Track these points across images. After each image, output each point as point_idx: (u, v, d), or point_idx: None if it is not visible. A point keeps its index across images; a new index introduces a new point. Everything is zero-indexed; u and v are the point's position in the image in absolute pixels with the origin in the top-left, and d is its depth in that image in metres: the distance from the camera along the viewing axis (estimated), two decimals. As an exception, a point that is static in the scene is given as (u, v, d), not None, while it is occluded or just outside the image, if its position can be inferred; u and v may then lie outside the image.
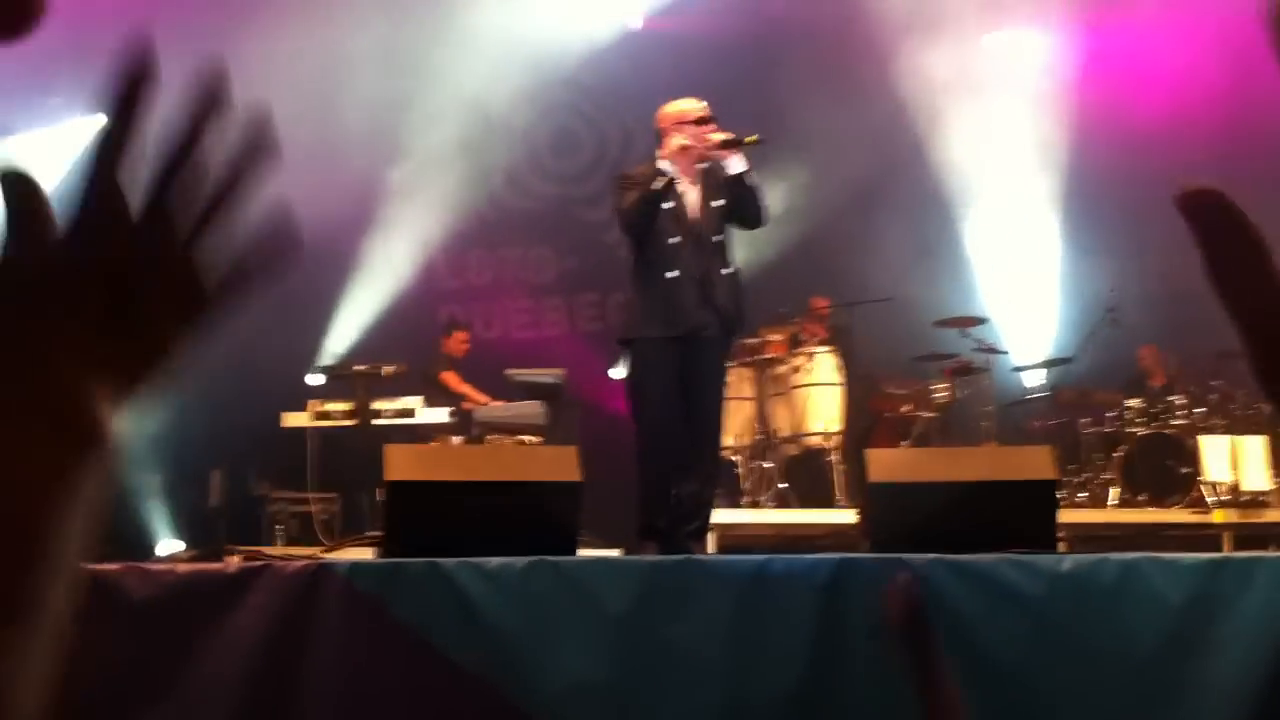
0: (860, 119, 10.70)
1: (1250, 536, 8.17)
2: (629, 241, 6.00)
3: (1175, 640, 4.46)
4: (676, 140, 5.86)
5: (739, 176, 5.87)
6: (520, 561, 4.61)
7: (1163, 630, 4.50)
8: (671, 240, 5.89)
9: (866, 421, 9.75)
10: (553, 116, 11.87)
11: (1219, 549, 7.83)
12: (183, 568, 4.60)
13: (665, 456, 5.85)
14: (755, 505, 8.81)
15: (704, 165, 6.00)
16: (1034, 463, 5.37)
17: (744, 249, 7.21)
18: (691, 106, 5.97)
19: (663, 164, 5.80)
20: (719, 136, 5.85)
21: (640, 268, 5.94)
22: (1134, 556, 4.77)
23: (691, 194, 5.95)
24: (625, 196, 5.88)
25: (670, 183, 5.81)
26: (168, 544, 7.78)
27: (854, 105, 10.70)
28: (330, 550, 5.19)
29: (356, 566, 4.60)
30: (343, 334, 10.58)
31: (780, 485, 8.92)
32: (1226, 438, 8.97)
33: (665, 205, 5.83)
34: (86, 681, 4.19)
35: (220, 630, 4.37)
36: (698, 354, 5.88)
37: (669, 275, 5.81)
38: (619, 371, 6.12)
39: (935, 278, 10.98)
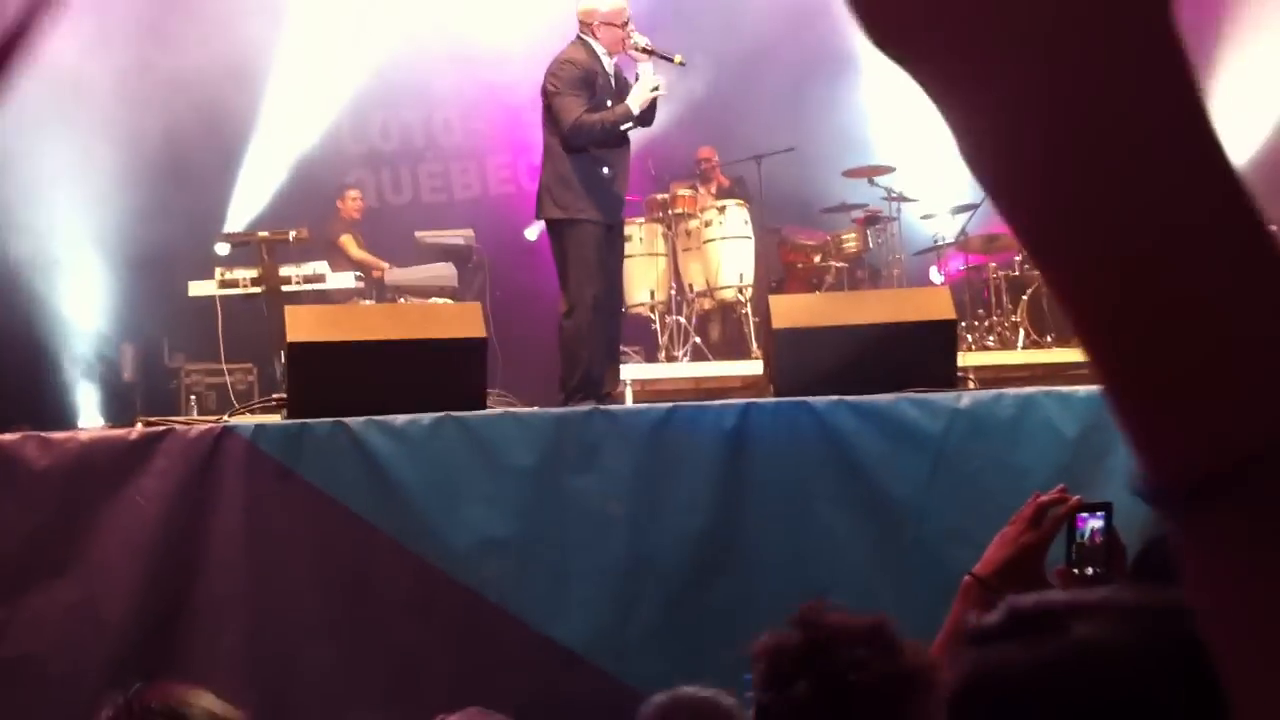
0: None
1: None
2: (556, 126, 6.21)
3: (1066, 472, 4.55)
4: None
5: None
6: (426, 418, 4.62)
7: (1056, 463, 4.60)
8: None
9: (777, 274, 9.79)
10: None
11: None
12: (84, 435, 4.57)
13: (595, 331, 6.05)
14: (671, 359, 8.84)
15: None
16: (933, 304, 5.44)
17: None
18: (620, 7, 6.33)
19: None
20: (643, 42, 6.30)
21: (569, 152, 6.18)
22: (1030, 391, 4.86)
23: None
24: (574, 100, 6.12)
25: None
26: (88, 421, 7.72)
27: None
28: (235, 414, 5.17)
29: (260, 429, 4.59)
30: (245, 201, 10.35)
31: (695, 339, 8.95)
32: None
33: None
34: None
35: (123, 496, 4.36)
36: (614, 239, 6.40)
37: (604, 170, 6.20)
38: (533, 233, 6.22)
39: (839, 129, 10.93)
